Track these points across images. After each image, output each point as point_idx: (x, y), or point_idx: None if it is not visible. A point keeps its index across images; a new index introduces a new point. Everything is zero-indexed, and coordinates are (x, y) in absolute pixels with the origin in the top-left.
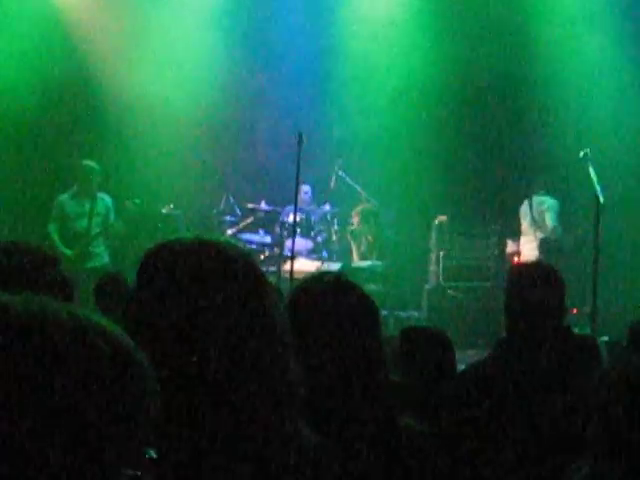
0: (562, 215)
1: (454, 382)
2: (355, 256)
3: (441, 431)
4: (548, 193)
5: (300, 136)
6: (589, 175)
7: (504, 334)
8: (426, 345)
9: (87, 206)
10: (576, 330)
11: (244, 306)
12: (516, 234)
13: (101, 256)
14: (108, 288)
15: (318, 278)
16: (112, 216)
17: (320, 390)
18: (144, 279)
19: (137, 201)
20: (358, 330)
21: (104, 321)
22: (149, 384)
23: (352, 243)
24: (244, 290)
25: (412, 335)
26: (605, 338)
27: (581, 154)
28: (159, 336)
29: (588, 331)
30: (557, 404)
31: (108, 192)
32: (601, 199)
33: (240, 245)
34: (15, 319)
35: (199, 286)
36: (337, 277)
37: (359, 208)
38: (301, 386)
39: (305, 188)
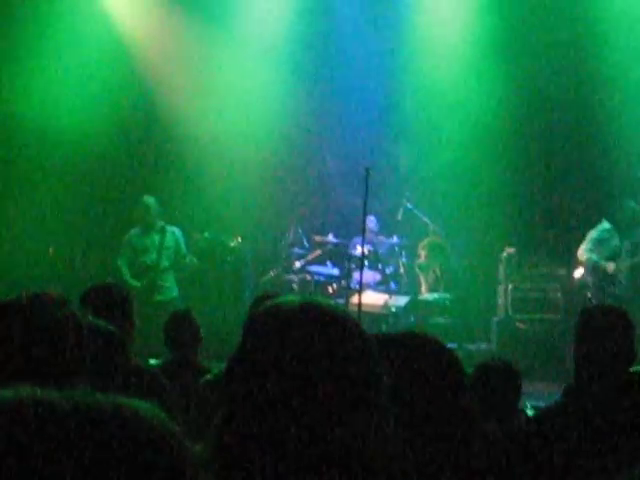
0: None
1: (521, 432)
2: (423, 289)
3: None
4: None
5: (367, 171)
6: None
7: (572, 369)
8: (498, 379)
9: (156, 240)
10: None
11: (353, 373)
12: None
13: (170, 289)
14: (178, 326)
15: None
16: (183, 249)
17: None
18: (254, 338)
19: (206, 234)
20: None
21: (146, 410)
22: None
23: (420, 276)
24: (354, 356)
25: (486, 370)
26: None
27: None
28: (264, 400)
29: None
30: (624, 459)
31: (178, 226)
32: None
33: (342, 308)
34: (65, 420)
35: (311, 352)
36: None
37: (426, 241)
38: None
39: (371, 218)
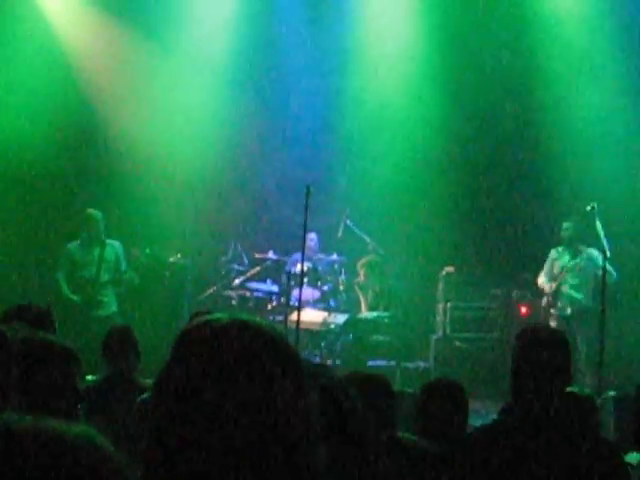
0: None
1: (459, 450)
2: (363, 307)
3: None
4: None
5: (308, 188)
6: (595, 229)
7: (509, 388)
8: (447, 399)
9: (95, 254)
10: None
11: (284, 390)
12: (522, 285)
13: (109, 305)
14: (117, 341)
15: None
16: (124, 264)
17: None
18: (181, 356)
19: (147, 250)
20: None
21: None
22: None
23: (359, 294)
24: (286, 373)
25: (432, 390)
26: (612, 393)
27: (588, 208)
28: (192, 417)
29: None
30: (562, 470)
31: (119, 241)
32: (608, 253)
33: (275, 326)
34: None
35: (241, 368)
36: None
37: (365, 259)
38: None
39: (311, 235)
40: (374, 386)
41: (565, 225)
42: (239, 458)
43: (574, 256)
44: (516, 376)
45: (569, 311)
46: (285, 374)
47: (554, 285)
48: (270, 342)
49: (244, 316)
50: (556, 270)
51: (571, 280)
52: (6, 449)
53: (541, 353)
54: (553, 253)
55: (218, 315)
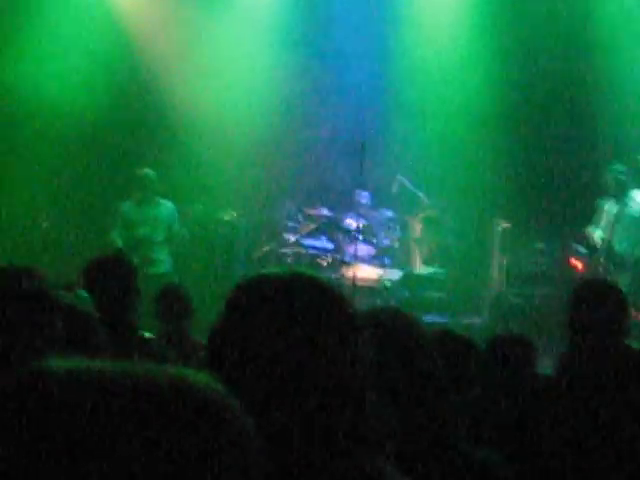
0: None
1: (520, 404)
2: (417, 263)
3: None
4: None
5: (363, 145)
6: None
7: (564, 343)
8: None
9: (150, 213)
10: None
11: (338, 344)
12: (579, 240)
13: (164, 263)
14: (170, 301)
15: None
16: (176, 223)
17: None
18: (239, 310)
19: (199, 207)
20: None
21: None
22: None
23: (415, 250)
24: (341, 327)
25: (500, 344)
26: None
27: None
28: (247, 367)
29: None
30: (620, 425)
31: (171, 199)
32: None
33: (330, 280)
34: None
35: (297, 321)
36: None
37: (421, 215)
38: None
39: (364, 195)
40: (457, 346)
41: (617, 168)
42: (295, 407)
43: (625, 204)
44: (574, 331)
45: (621, 262)
46: (341, 329)
47: (606, 237)
48: (330, 296)
49: (303, 270)
50: (605, 221)
51: (622, 231)
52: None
53: (597, 307)
54: (602, 203)
55: (277, 269)
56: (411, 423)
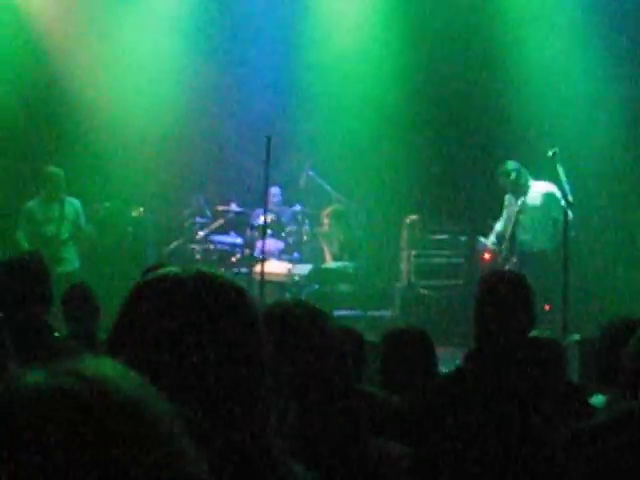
0: None
1: (421, 400)
2: (327, 257)
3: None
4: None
5: (269, 139)
6: (557, 174)
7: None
8: (410, 347)
9: (56, 211)
10: (545, 332)
11: (239, 343)
12: (486, 232)
13: (72, 261)
14: (74, 300)
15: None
16: (82, 220)
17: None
18: (138, 307)
19: (107, 204)
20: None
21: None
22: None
23: (323, 244)
24: (241, 326)
25: (395, 337)
26: (577, 337)
27: (550, 153)
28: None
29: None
30: (527, 418)
31: (78, 197)
32: (570, 198)
33: (237, 280)
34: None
35: (200, 321)
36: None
37: (329, 209)
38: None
39: (274, 190)
40: (346, 339)
41: (506, 169)
42: (194, 405)
43: (526, 195)
44: (478, 322)
45: (522, 254)
46: (243, 326)
47: (508, 229)
48: (229, 295)
49: (204, 269)
50: (508, 213)
51: (523, 222)
52: None
53: (501, 297)
54: (507, 198)
55: (174, 268)
56: (315, 420)
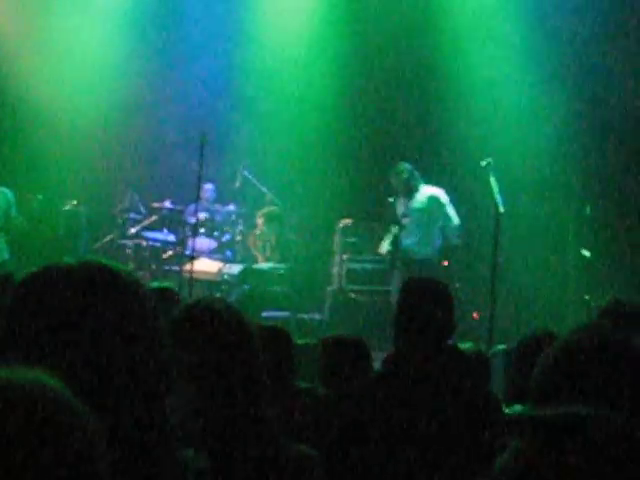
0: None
1: (345, 402)
2: (259, 258)
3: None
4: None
5: (203, 136)
6: (490, 184)
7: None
8: (347, 353)
9: None
10: (467, 343)
11: (131, 331)
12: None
13: (1, 251)
14: (2, 290)
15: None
16: (13, 211)
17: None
18: (25, 298)
19: (40, 197)
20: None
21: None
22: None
23: (256, 245)
24: (131, 315)
25: (333, 344)
26: (502, 346)
27: (483, 163)
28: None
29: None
30: (444, 423)
31: (11, 188)
32: (501, 209)
33: (123, 267)
34: None
35: (80, 304)
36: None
37: (264, 210)
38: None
39: (208, 186)
40: (274, 337)
41: (400, 169)
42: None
43: (413, 199)
44: (397, 328)
45: (406, 262)
46: (134, 315)
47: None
48: (121, 284)
49: (95, 259)
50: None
51: (409, 226)
52: None
53: (420, 305)
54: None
55: (68, 260)
56: (227, 418)
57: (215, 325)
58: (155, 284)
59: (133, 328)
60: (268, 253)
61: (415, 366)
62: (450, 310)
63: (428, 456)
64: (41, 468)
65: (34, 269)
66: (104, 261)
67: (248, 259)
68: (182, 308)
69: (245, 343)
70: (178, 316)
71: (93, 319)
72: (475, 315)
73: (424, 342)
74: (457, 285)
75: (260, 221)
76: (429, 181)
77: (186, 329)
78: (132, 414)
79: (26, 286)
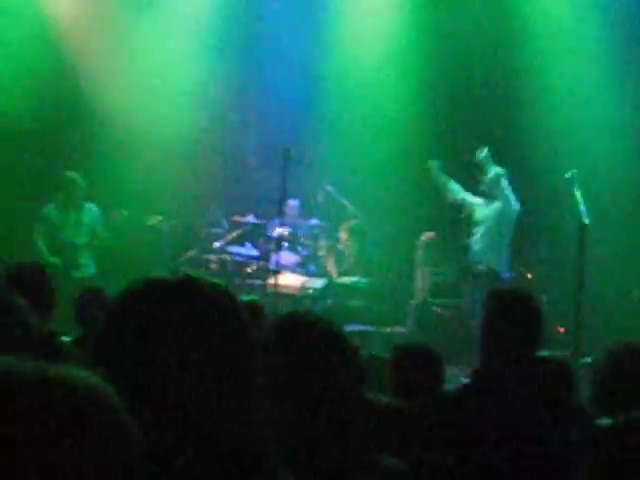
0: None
1: (426, 412)
2: (332, 272)
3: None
4: None
5: (287, 151)
6: (574, 197)
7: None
8: (418, 362)
9: (73, 216)
10: (556, 352)
11: (228, 351)
12: None
13: (88, 266)
14: (87, 303)
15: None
16: (100, 226)
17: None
18: (124, 314)
19: (124, 212)
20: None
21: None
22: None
23: (339, 259)
24: (227, 333)
25: (404, 352)
26: (588, 359)
27: (568, 175)
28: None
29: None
30: (532, 438)
31: (96, 203)
32: (585, 220)
33: (223, 285)
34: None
35: (181, 328)
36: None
37: (348, 224)
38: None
39: (293, 203)
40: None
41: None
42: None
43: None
44: (485, 340)
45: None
46: (234, 333)
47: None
48: (219, 300)
49: (192, 275)
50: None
51: (478, 231)
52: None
53: (509, 317)
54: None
55: (164, 275)
56: (312, 435)
57: (314, 337)
58: (245, 298)
59: (235, 340)
60: (346, 267)
61: (507, 379)
62: (539, 322)
63: (521, 469)
64: (73, 467)
65: (132, 284)
66: (200, 275)
67: (330, 274)
68: (279, 320)
69: (339, 356)
70: (276, 327)
71: (200, 333)
72: (561, 329)
73: (513, 354)
74: (543, 298)
75: (344, 235)
76: (515, 193)
77: (286, 341)
78: (224, 425)
79: (129, 300)
